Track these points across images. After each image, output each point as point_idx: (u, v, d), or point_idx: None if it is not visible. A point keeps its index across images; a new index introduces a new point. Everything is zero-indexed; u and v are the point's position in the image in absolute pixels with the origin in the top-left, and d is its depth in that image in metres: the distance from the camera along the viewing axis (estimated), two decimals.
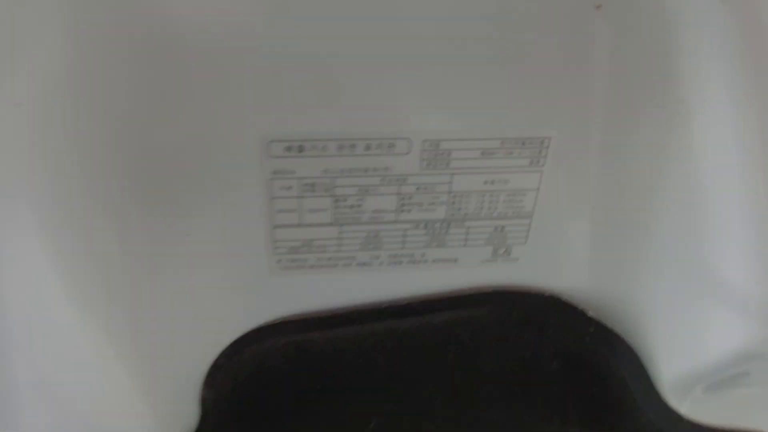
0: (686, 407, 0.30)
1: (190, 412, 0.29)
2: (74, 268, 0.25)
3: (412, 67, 0.23)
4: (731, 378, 0.28)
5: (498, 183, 0.27)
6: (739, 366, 0.28)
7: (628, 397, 0.30)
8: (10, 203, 0.23)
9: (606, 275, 0.30)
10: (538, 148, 0.26)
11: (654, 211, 0.28)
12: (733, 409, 0.30)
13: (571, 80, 0.25)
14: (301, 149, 0.25)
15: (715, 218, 0.26)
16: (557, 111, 0.26)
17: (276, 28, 0.22)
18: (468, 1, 0.22)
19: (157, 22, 0.21)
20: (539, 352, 0.30)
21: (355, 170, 0.26)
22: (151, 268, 0.26)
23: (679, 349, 0.29)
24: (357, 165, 0.26)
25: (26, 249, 0.23)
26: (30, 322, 0.24)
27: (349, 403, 0.30)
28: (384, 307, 0.29)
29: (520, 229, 0.29)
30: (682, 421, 0.30)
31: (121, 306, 0.26)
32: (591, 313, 0.30)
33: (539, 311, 0.30)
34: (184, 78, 0.22)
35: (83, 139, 0.23)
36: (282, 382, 0.29)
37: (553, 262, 0.30)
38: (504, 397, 0.31)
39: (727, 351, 0.27)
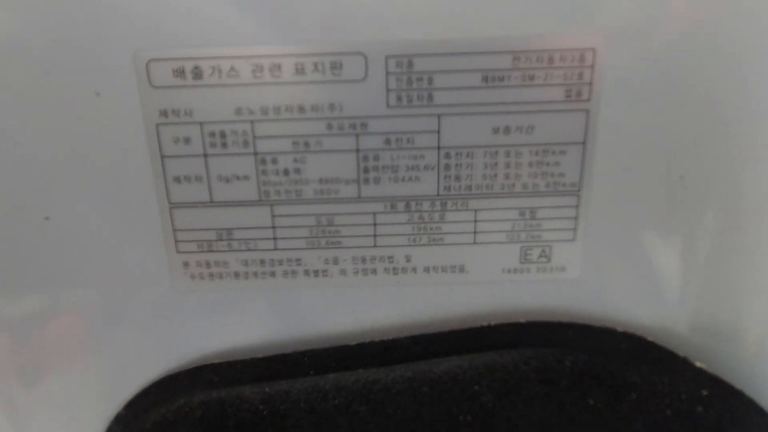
0: None
1: None
2: None
3: None
4: None
5: (517, 132, 0.17)
6: None
7: None
8: None
9: (718, 298, 0.19)
10: (578, 66, 0.16)
11: None
12: None
13: None
14: (197, 73, 0.16)
15: None
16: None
17: None
18: None
19: None
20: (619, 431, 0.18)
21: (285, 109, 0.17)
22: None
23: None
24: (286, 100, 0.17)
25: None
26: None
27: None
28: (353, 347, 0.20)
29: (563, 214, 0.18)
30: None
31: None
32: (700, 364, 0.18)
33: (611, 360, 0.19)
34: None
35: None
36: None
37: (623, 273, 0.19)
38: None
39: None
